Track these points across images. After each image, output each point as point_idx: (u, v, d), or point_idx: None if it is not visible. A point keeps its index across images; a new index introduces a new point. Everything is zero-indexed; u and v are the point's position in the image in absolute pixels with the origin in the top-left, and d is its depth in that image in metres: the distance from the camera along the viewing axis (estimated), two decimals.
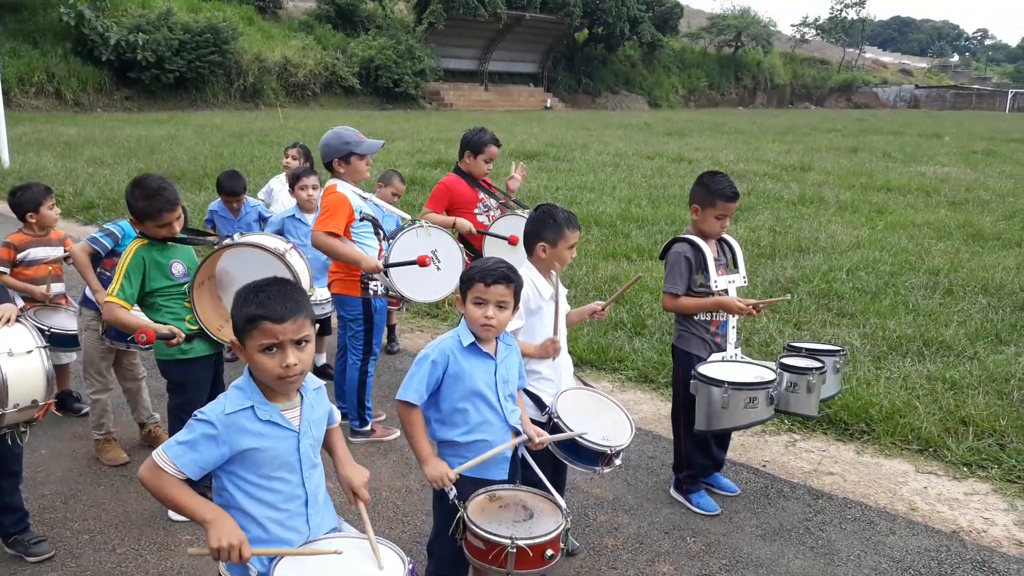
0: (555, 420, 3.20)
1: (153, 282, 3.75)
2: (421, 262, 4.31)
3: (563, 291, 3.52)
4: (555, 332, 3.32)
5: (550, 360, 3.39)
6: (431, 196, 5.42)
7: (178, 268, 3.83)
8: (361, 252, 4.49)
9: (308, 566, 2.18)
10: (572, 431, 3.13)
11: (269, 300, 2.19)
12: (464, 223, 5.26)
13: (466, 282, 2.82)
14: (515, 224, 5.11)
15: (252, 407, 2.22)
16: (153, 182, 3.71)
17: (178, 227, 3.82)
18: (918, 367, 5.90)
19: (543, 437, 2.99)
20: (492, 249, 5.19)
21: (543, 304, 3.39)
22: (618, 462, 3.26)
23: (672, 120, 36.32)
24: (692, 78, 62.44)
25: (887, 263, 8.99)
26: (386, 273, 4.47)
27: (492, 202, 5.49)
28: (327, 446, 2.51)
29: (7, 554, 3.58)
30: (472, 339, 2.83)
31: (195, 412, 2.22)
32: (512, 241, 5.03)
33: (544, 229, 3.39)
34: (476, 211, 5.40)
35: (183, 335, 3.69)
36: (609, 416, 3.34)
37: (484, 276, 2.78)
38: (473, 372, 2.82)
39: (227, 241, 3.96)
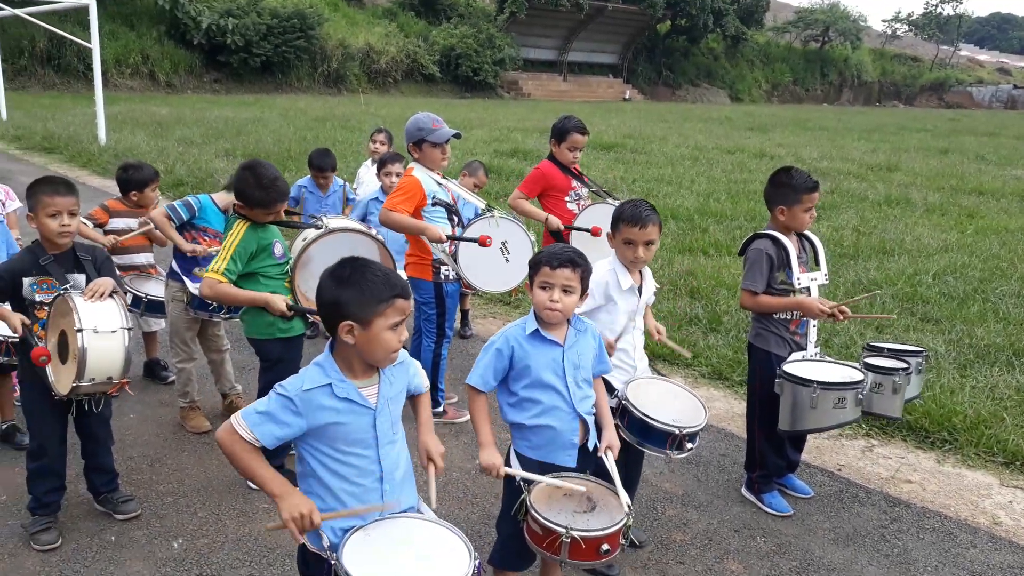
0: (624, 403, 3.21)
1: (258, 262, 3.87)
2: (482, 241, 4.36)
3: (650, 286, 3.51)
4: (617, 339, 3.33)
5: (625, 349, 3.38)
6: (525, 180, 5.46)
7: (279, 248, 3.96)
8: (424, 223, 4.52)
9: (376, 543, 2.22)
10: (641, 412, 3.14)
11: (393, 279, 2.30)
12: (554, 222, 5.24)
13: (533, 266, 2.84)
14: (603, 212, 5.09)
15: (330, 384, 2.27)
16: (268, 172, 3.82)
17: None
18: (1007, 377, 5.67)
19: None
20: (580, 243, 5.18)
21: (617, 296, 3.35)
22: (690, 446, 3.21)
23: (754, 115, 35.60)
24: (776, 73, 61.09)
25: (976, 268, 8.66)
26: (455, 258, 4.52)
27: (583, 191, 5.49)
28: (413, 410, 2.57)
29: (97, 511, 3.76)
30: (536, 326, 2.84)
31: (275, 385, 2.28)
32: (595, 232, 5.01)
33: (612, 219, 3.39)
34: (567, 199, 5.41)
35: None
36: (682, 403, 3.32)
37: (550, 260, 2.79)
38: (537, 359, 2.83)
39: (326, 224, 4.05)
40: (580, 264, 2.82)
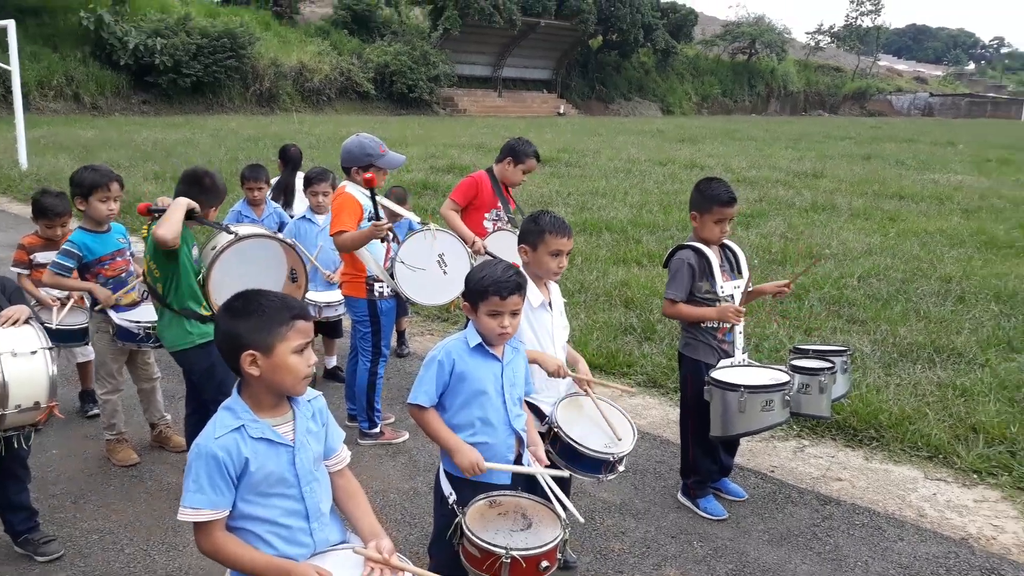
0: (555, 430, 3.17)
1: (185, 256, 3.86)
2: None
3: (559, 300, 3.49)
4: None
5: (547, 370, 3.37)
6: (457, 186, 5.47)
7: (195, 251, 3.95)
8: (370, 227, 4.50)
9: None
10: (573, 440, 3.11)
11: (290, 301, 2.26)
12: (479, 245, 5.23)
13: (478, 294, 2.79)
14: (504, 242, 5.18)
15: (243, 426, 2.20)
16: (213, 177, 3.98)
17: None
18: (929, 374, 5.88)
19: (536, 468, 2.91)
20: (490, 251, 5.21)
21: (531, 313, 3.28)
22: (621, 468, 3.22)
23: (685, 127, 36.27)
24: (705, 85, 62.34)
25: (899, 270, 8.96)
26: (391, 274, 4.51)
27: (503, 213, 5.53)
28: (336, 489, 2.44)
29: (17, 553, 3.60)
30: (479, 340, 2.85)
31: (189, 451, 2.21)
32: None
33: (526, 231, 3.35)
34: (487, 215, 5.43)
35: None
36: (610, 422, 3.29)
37: (499, 290, 2.76)
38: (479, 373, 2.83)
39: (236, 231, 3.99)
40: (523, 283, 2.84)
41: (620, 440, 3.21)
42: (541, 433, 3.19)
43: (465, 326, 2.97)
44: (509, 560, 2.46)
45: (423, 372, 2.84)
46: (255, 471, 2.18)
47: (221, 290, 3.77)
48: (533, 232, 3.31)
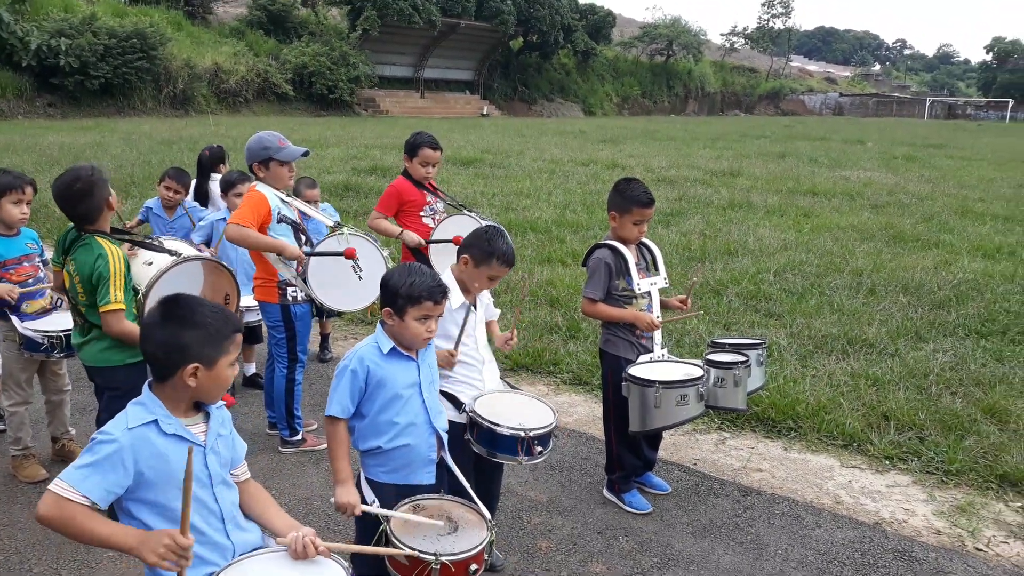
0: (471, 415, 3.18)
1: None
2: (349, 254, 4.29)
3: (485, 300, 3.50)
4: (456, 345, 3.29)
5: (471, 364, 3.37)
6: (380, 199, 5.39)
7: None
8: (281, 241, 4.39)
9: (251, 574, 2.13)
10: (487, 421, 3.13)
11: (229, 314, 2.26)
12: (412, 237, 5.21)
13: (409, 299, 2.76)
14: (459, 224, 5.16)
15: (156, 421, 2.15)
16: (88, 175, 3.57)
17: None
18: (842, 365, 6.07)
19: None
20: (439, 254, 5.17)
21: (449, 315, 3.26)
22: (541, 450, 3.19)
23: (606, 127, 36.74)
24: (625, 86, 63.31)
25: (813, 265, 9.24)
26: (305, 281, 4.42)
27: (439, 205, 5.48)
28: (244, 498, 2.40)
29: None
30: (392, 344, 2.82)
31: (94, 435, 2.13)
32: (456, 241, 5.01)
33: (476, 245, 3.33)
34: (422, 214, 5.38)
35: None
36: (531, 410, 3.31)
37: (432, 295, 2.77)
38: (396, 376, 2.81)
39: (179, 251, 3.84)
40: (447, 288, 2.89)
41: (540, 419, 3.22)
42: (460, 423, 3.19)
43: None
44: (439, 566, 2.43)
45: (336, 382, 2.80)
46: (160, 472, 2.13)
47: None
48: (483, 252, 3.29)
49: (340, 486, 2.74)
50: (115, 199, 3.72)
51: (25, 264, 4.28)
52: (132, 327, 3.51)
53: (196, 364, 2.14)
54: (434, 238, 5.28)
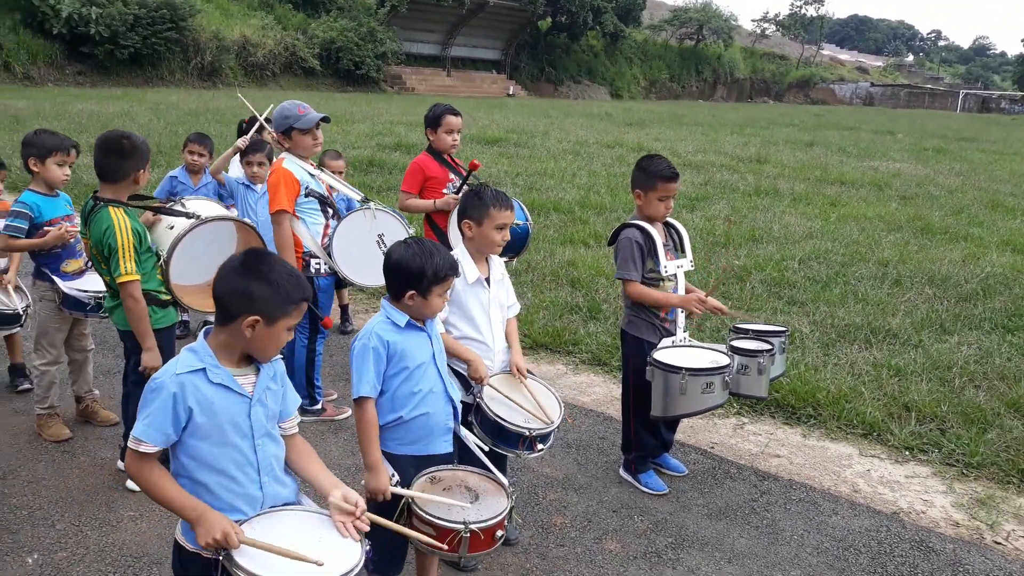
0: (478, 400, 3.19)
1: (138, 252, 3.70)
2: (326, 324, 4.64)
3: (499, 275, 3.44)
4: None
5: (482, 344, 3.34)
6: (405, 177, 5.35)
7: (149, 237, 3.82)
8: (306, 232, 4.45)
9: (264, 536, 2.13)
10: (494, 414, 3.14)
11: (303, 281, 2.30)
12: (444, 202, 5.17)
13: (436, 279, 2.77)
14: None
15: (204, 369, 2.19)
16: (128, 139, 3.69)
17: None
18: (865, 354, 6.02)
19: (464, 434, 3.01)
20: (456, 228, 5.15)
21: (467, 289, 3.28)
22: (541, 447, 3.21)
23: (633, 111, 36.48)
24: (653, 70, 62.73)
25: (838, 254, 9.15)
26: (329, 251, 4.44)
27: (459, 181, 5.45)
28: (292, 455, 2.43)
29: None
30: (407, 318, 2.83)
31: (146, 384, 2.19)
32: (473, 166, 5.11)
33: (469, 207, 3.32)
34: (445, 190, 5.36)
35: None
36: (539, 401, 3.29)
37: (455, 268, 2.86)
38: (413, 347, 2.82)
39: (197, 212, 3.89)
40: None
41: (543, 418, 3.21)
42: (467, 404, 3.19)
43: None
44: (468, 534, 2.49)
45: (359, 363, 2.77)
46: (205, 419, 2.18)
47: (182, 273, 3.70)
48: (477, 207, 3.29)
49: (370, 471, 2.75)
50: (145, 177, 3.78)
51: (65, 224, 4.35)
52: (141, 302, 3.62)
53: (257, 317, 2.18)
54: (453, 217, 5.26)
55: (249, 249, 2.30)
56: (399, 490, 2.71)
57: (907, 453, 4.70)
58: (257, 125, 6.18)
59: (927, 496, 4.25)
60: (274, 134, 4.57)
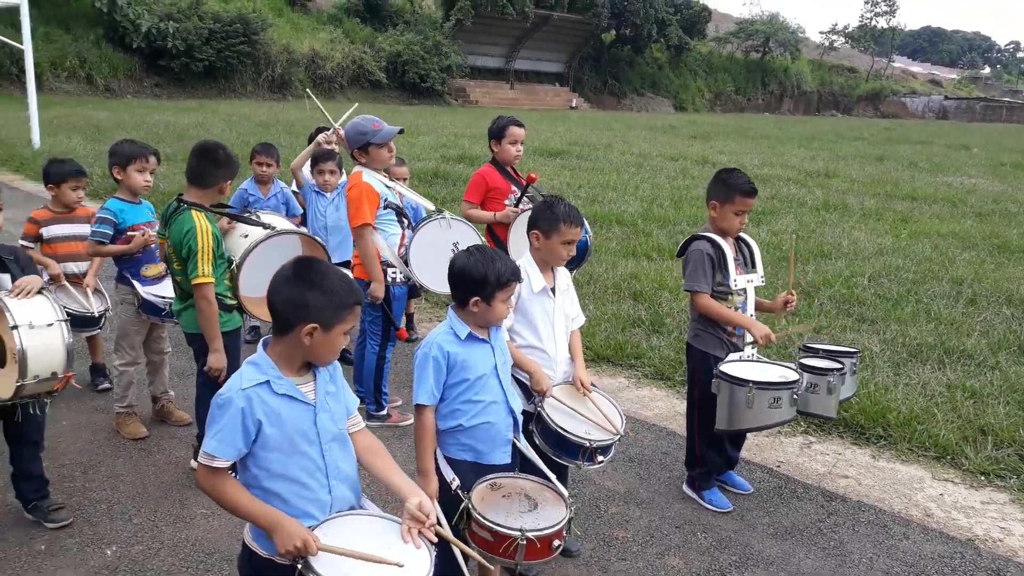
0: (539, 410, 3.21)
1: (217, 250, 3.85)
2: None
3: (565, 286, 3.47)
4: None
5: (544, 354, 3.37)
6: (468, 187, 5.42)
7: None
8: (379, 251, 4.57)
9: (336, 542, 2.17)
10: (556, 424, 3.15)
11: (354, 286, 2.35)
12: (506, 215, 5.23)
13: (499, 285, 2.81)
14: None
15: (268, 381, 2.24)
16: (221, 149, 3.89)
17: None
18: (938, 375, 5.85)
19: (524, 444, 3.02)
20: (519, 240, 5.19)
21: (532, 298, 3.33)
22: (602, 459, 3.21)
23: (697, 123, 36.16)
24: (719, 82, 62.10)
25: (910, 271, 8.92)
26: (406, 260, 4.52)
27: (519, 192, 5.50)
28: (361, 450, 2.48)
29: (27, 519, 3.65)
30: (468, 329, 2.86)
31: (212, 400, 2.25)
32: (531, 179, 5.20)
33: (540, 218, 3.36)
34: (507, 202, 5.41)
35: None
36: (600, 412, 3.30)
37: (516, 274, 2.88)
38: (475, 359, 2.85)
39: (272, 224, 4.04)
40: None
41: (608, 428, 3.22)
42: (528, 413, 3.20)
43: None
44: (525, 542, 2.50)
45: (420, 372, 2.82)
46: (274, 430, 2.23)
47: (249, 281, 3.83)
48: (548, 220, 3.33)
49: (422, 476, 2.79)
50: (227, 189, 3.95)
51: (147, 230, 4.54)
52: (213, 304, 3.74)
53: (315, 325, 2.22)
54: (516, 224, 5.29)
55: (298, 258, 2.33)
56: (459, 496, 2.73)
57: (983, 478, 4.55)
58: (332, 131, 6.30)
59: (1004, 523, 4.11)
60: (349, 149, 4.69)
